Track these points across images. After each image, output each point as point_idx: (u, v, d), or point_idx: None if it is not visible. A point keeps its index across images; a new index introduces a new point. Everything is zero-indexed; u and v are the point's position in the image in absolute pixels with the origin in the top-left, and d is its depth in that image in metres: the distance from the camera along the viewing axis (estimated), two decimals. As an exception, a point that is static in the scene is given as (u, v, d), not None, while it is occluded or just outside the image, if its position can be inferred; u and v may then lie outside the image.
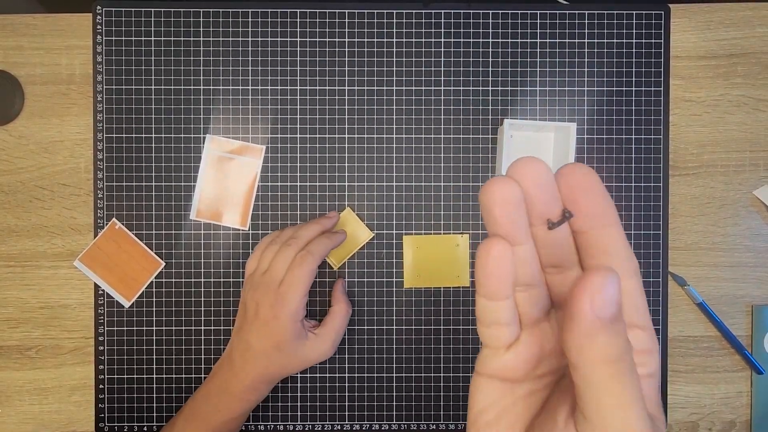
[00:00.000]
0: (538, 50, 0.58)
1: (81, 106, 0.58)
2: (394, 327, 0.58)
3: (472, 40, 0.58)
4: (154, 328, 0.58)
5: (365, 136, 0.58)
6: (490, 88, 0.58)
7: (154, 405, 0.58)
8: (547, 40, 0.58)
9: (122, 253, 0.57)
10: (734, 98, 0.59)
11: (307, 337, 0.51)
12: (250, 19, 0.58)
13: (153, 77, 0.58)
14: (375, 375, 0.58)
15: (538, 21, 0.58)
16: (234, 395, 0.50)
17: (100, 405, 0.58)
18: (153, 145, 0.58)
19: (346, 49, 0.58)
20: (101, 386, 0.58)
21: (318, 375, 0.58)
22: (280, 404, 0.58)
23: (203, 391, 0.52)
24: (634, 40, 0.58)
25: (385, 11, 0.58)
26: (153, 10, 0.57)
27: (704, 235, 0.59)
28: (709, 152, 0.59)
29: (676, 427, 0.59)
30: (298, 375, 0.58)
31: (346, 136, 0.58)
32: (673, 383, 0.59)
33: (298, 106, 0.58)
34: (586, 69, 0.58)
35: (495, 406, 0.22)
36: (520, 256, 0.21)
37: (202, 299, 0.58)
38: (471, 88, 0.58)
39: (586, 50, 0.58)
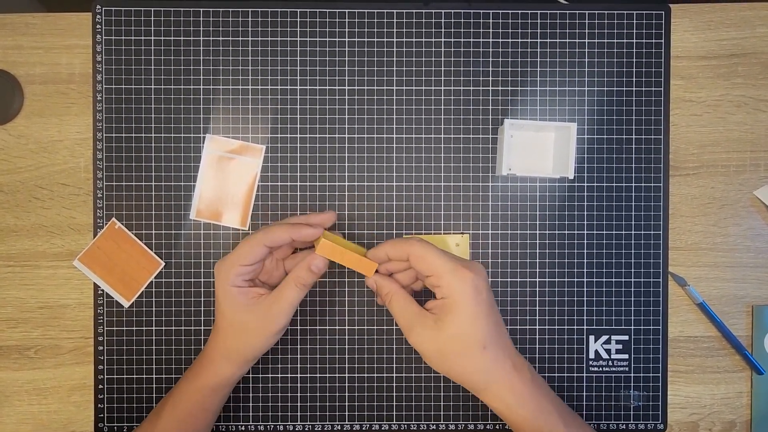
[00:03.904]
0: (538, 50, 0.58)
1: (81, 105, 0.58)
2: (394, 327, 0.58)
3: (472, 39, 0.58)
4: (154, 328, 0.58)
5: (365, 135, 0.58)
6: (490, 88, 0.58)
7: (154, 405, 0.58)
8: (548, 40, 0.58)
9: (122, 252, 0.57)
10: (735, 98, 0.59)
11: (247, 305, 0.49)
12: (250, 19, 0.58)
13: (153, 77, 0.58)
14: (375, 375, 0.58)
15: (539, 21, 0.58)
16: (199, 362, 0.52)
17: (99, 405, 0.58)
18: (153, 144, 0.58)
19: (346, 49, 0.58)
20: (100, 386, 0.58)
21: (318, 375, 0.58)
22: (280, 404, 0.58)
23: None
24: (634, 40, 0.58)
25: (385, 11, 0.58)
26: (153, 9, 0.57)
27: (704, 236, 0.59)
28: (709, 152, 0.59)
29: (676, 427, 0.59)
30: (298, 374, 0.58)
31: (346, 135, 0.58)
32: (673, 383, 0.59)
33: (298, 106, 0.58)
34: (586, 69, 0.58)
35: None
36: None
37: (202, 299, 0.58)
38: (471, 87, 0.58)
39: (586, 50, 0.58)
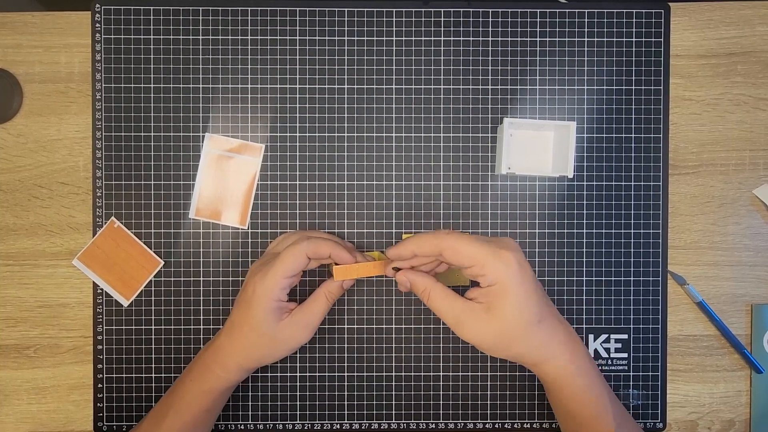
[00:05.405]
0: (538, 49, 0.58)
1: (80, 104, 0.58)
2: (394, 326, 0.58)
3: (471, 38, 0.58)
4: (153, 327, 0.58)
5: (365, 134, 0.58)
6: (489, 87, 0.58)
7: (153, 404, 0.58)
8: (547, 39, 0.58)
9: (121, 251, 0.57)
10: (734, 97, 0.59)
11: (282, 318, 0.50)
12: (249, 18, 0.58)
13: (152, 76, 0.58)
14: (375, 375, 0.58)
15: (538, 19, 0.58)
16: (207, 366, 0.51)
17: (98, 404, 0.58)
18: (152, 143, 0.58)
19: (346, 48, 0.58)
20: (100, 385, 0.58)
21: (317, 374, 0.58)
22: (279, 404, 0.58)
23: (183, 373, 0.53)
24: (634, 39, 0.58)
25: (384, 9, 0.58)
26: (152, 8, 0.57)
27: (704, 234, 0.59)
28: (708, 151, 0.59)
29: (675, 425, 0.59)
30: (298, 374, 0.58)
31: (346, 134, 0.58)
32: (672, 382, 0.59)
33: (298, 105, 0.58)
34: (586, 68, 0.58)
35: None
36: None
37: (201, 298, 0.58)
38: (471, 86, 0.58)
39: (585, 49, 0.58)
